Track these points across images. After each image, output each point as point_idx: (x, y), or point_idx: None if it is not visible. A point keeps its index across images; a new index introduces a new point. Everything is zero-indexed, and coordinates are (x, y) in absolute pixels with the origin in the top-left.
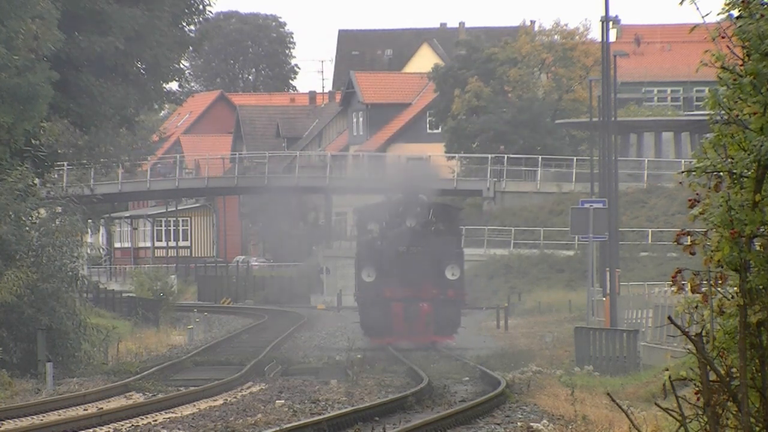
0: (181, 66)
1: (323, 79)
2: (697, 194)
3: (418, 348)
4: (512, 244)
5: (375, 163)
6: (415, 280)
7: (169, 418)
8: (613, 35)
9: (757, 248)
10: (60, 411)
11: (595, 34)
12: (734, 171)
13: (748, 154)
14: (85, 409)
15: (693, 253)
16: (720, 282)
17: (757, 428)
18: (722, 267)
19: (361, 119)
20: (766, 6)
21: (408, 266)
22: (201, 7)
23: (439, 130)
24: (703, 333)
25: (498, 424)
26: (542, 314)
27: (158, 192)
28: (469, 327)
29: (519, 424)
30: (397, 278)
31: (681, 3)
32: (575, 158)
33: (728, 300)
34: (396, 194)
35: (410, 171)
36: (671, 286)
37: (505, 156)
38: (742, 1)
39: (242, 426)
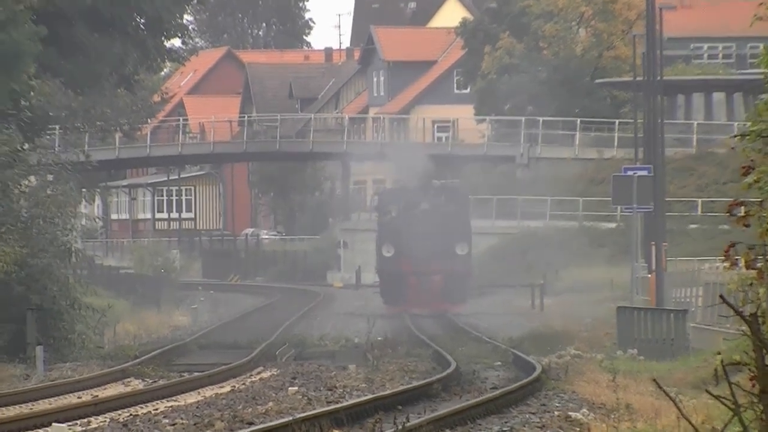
0: (185, 21)
1: (340, 35)
2: (752, 160)
3: (431, 315)
4: (548, 215)
5: (397, 126)
6: (428, 256)
7: (171, 406)
8: None
9: None
10: (51, 399)
11: None
12: None
13: None
14: (78, 397)
15: (747, 225)
16: None
17: None
18: None
19: (381, 79)
20: None
21: (422, 243)
22: None
23: (468, 90)
24: (759, 313)
25: (533, 414)
26: (581, 292)
27: (159, 158)
28: (500, 306)
29: (556, 413)
30: (412, 253)
31: None
32: (617, 121)
33: None
34: (412, 180)
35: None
36: (723, 261)
37: (540, 119)
38: None
39: (251, 415)
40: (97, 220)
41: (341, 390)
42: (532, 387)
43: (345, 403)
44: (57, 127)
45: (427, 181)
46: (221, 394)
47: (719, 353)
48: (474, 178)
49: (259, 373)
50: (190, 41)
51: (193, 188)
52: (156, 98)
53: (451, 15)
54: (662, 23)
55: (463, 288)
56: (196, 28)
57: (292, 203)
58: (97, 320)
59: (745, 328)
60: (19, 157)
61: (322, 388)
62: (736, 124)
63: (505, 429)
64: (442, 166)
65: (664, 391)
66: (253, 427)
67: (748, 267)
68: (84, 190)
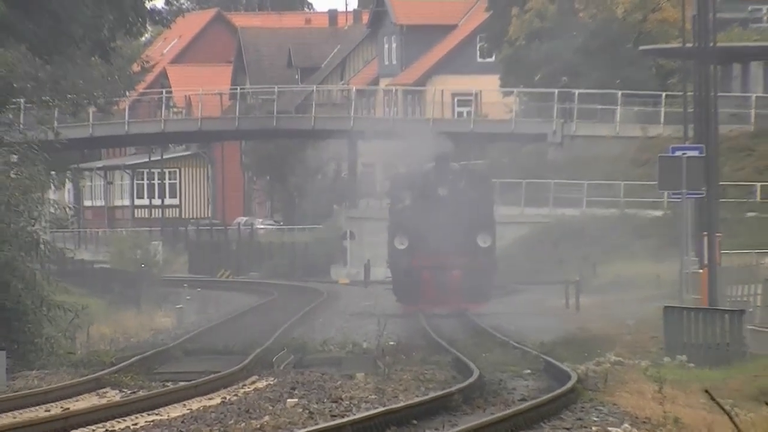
0: None
1: None
2: None
3: (449, 315)
4: (584, 202)
5: (412, 100)
6: (446, 248)
7: (152, 421)
8: None
9: None
10: (15, 412)
11: None
12: None
13: None
14: (47, 410)
15: None
16: None
17: None
18: None
19: (394, 45)
20: None
21: (439, 234)
22: None
23: (493, 59)
24: None
25: (567, 429)
26: (622, 290)
27: (139, 137)
28: (530, 306)
29: (594, 428)
30: (428, 246)
31: None
32: (664, 94)
33: None
34: (428, 163)
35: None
36: None
37: (575, 91)
38: None
39: (244, 431)
40: (68, 207)
41: (347, 402)
42: (566, 398)
43: (352, 417)
44: (22, 100)
45: (445, 164)
46: (210, 406)
47: None
48: (500, 160)
49: (253, 382)
50: (175, 2)
51: (177, 171)
52: (135, 68)
53: None
54: None
55: (486, 285)
56: None
57: (291, 188)
58: (69, 322)
59: None
60: None
61: (325, 400)
62: None
63: None
64: (463, 146)
65: (717, 404)
66: None
67: None
68: (53, 173)
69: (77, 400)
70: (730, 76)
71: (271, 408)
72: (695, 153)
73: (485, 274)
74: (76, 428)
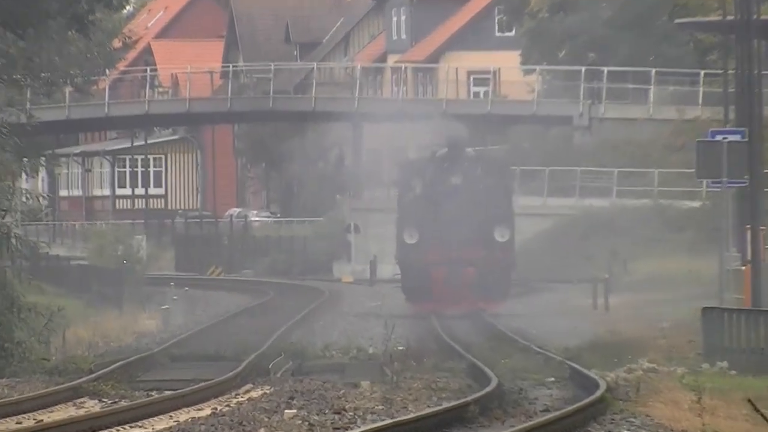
0: None
1: None
2: None
3: (463, 316)
4: (614, 191)
5: (423, 79)
6: (460, 243)
7: None
8: None
9: None
10: None
11: None
12: None
13: None
14: (18, 422)
15: None
16: None
17: None
18: None
19: (403, 18)
20: None
21: (453, 227)
22: None
23: (513, 33)
24: None
25: None
26: (656, 289)
27: (121, 119)
28: (554, 307)
29: None
30: (441, 240)
31: None
32: (702, 72)
33: None
34: (440, 148)
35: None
36: None
37: (604, 69)
38: None
39: None
40: (41, 197)
41: (352, 413)
42: (594, 409)
43: (356, 430)
44: None
45: (459, 150)
46: (199, 418)
47: None
48: (520, 145)
49: (247, 391)
50: None
51: (163, 157)
52: (117, 43)
53: None
54: None
55: (504, 282)
56: None
57: (289, 177)
58: (43, 325)
59: None
60: None
61: (327, 411)
62: None
63: None
64: (480, 130)
65: (761, 414)
66: None
67: None
68: (25, 159)
69: (52, 411)
70: None
71: (266, 420)
72: (737, 137)
73: (503, 270)
74: None
